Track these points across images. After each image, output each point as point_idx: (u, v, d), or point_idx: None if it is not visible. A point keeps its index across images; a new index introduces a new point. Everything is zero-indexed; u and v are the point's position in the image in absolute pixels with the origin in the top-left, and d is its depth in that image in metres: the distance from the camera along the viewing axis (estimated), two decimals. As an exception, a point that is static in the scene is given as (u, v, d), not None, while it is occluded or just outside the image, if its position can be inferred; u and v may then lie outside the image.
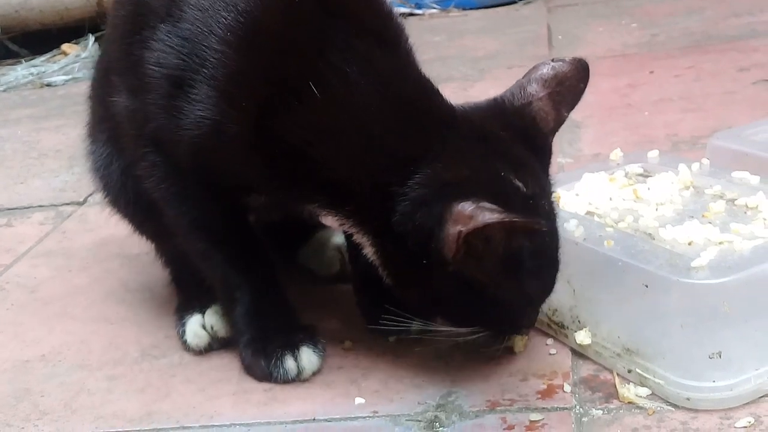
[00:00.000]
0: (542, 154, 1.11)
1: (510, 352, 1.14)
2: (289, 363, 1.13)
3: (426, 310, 1.12)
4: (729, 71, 2.21)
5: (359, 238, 1.09)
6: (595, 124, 1.98)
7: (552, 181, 1.12)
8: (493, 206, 0.95)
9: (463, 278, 1.02)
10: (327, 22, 1.07)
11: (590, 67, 1.13)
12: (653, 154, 1.36)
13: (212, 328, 1.25)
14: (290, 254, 1.46)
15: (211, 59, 1.07)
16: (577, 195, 1.27)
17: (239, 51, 1.07)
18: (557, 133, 1.14)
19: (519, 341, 1.14)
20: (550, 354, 1.14)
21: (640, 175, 1.33)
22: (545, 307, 1.17)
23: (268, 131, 1.07)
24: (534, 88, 1.09)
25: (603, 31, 2.86)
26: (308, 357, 1.14)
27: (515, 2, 3.50)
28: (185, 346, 1.26)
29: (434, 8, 3.54)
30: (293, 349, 1.14)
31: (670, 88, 2.16)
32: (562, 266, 1.09)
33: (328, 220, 1.14)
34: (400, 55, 1.11)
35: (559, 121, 1.12)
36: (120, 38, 1.21)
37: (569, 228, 1.15)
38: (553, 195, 1.11)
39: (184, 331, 1.27)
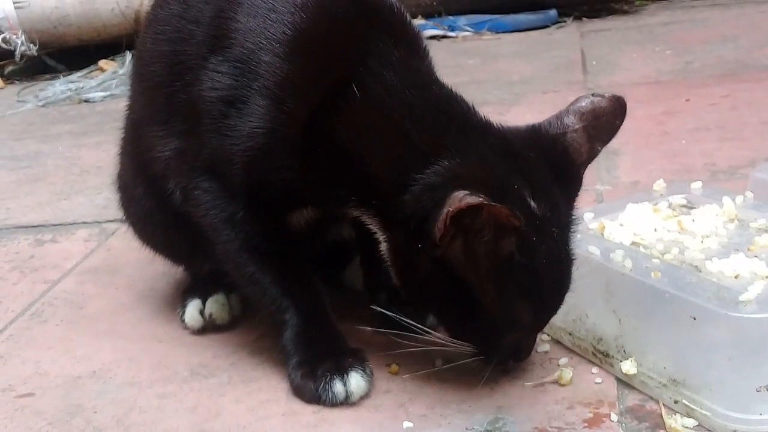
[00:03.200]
0: (570, 184, 1.15)
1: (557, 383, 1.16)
2: (338, 387, 1.15)
3: (424, 308, 1.18)
4: (765, 100, 2.22)
5: (379, 234, 1.15)
6: (632, 151, 2.00)
7: (575, 213, 1.15)
8: (485, 196, 0.99)
9: (453, 275, 1.06)
10: (366, 31, 1.17)
11: (626, 94, 1.16)
12: (696, 186, 1.37)
13: (211, 315, 1.40)
14: (337, 276, 1.49)
15: (262, 71, 1.15)
16: (621, 225, 1.28)
17: (288, 60, 1.15)
18: (595, 161, 1.18)
19: (566, 374, 1.16)
20: (596, 383, 1.15)
21: (684, 206, 1.34)
22: (590, 336, 1.19)
23: (314, 132, 1.15)
24: (571, 120, 1.14)
25: (637, 57, 2.88)
26: (356, 381, 1.16)
27: (548, 26, 3.53)
28: (183, 325, 1.42)
29: (467, 31, 3.57)
30: (342, 374, 1.16)
31: (707, 116, 2.17)
32: (605, 295, 1.12)
33: (351, 224, 1.22)
34: (429, 68, 1.22)
35: (592, 155, 1.16)
36: (156, 89, 1.29)
37: (615, 258, 1.17)
38: (575, 226, 1.14)
39: (183, 312, 1.42)
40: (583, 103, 1.14)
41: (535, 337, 1.17)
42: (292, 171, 1.18)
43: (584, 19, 3.60)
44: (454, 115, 1.14)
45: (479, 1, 3.61)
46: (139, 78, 1.39)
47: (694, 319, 1.05)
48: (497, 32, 3.53)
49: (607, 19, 3.58)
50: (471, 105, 1.18)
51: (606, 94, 1.14)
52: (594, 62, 2.89)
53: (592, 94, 1.14)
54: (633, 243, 1.23)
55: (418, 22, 3.63)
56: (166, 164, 1.28)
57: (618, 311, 1.16)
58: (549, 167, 1.12)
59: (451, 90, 1.19)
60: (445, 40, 3.57)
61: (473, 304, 1.08)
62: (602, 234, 1.27)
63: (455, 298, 1.09)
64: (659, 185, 1.39)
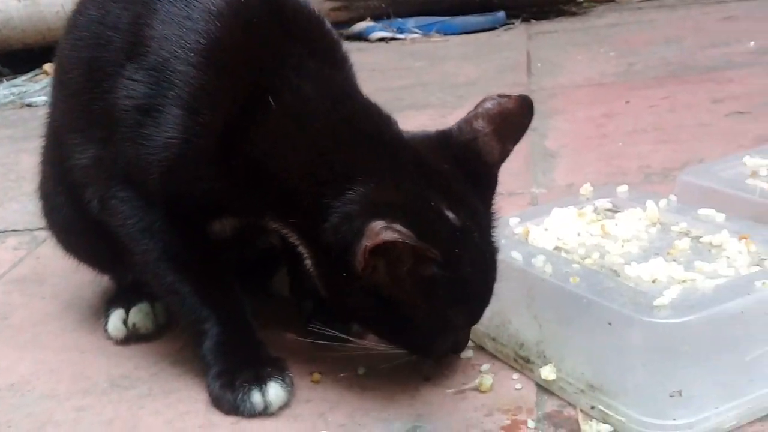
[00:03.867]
0: (485, 186, 1.15)
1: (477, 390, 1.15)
2: (256, 397, 1.14)
3: (352, 321, 1.19)
4: (704, 102, 2.23)
5: (301, 249, 1.15)
6: (569, 153, 2.00)
7: (495, 214, 1.16)
8: (403, 229, 0.99)
9: (381, 295, 1.07)
10: (282, 40, 1.16)
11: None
12: (622, 189, 1.37)
13: (134, 325, 1.38)
14: (265, 283, 1.48)
15: (177, 81, 1.14)
16: (546, 230, 1.28)
17: (202, 69, 1.13)
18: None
19: (486, 381, 1.15)
20: (516, 389, 1.15)
21: (609, 210, 1.34)
22: (512, 342, 1.19)
23: (230, 143, 1.13)
24: (480, 124, 1.14)
25: (582, 60, 2.89)
26: (275, 392, 1.15)
27: (496, 28, 3.53)
28: (107, 335, 1.39)
29: (416, 33, 3.57)
30: (261, 384, 1.15)
31: (645, 118, 2.18)
32: (526, 300, 1.13)
33: (277, 234, 1.19)
34: (347, 78, 1.20)
35: (504, 154, 1.16)
36: (75, 96, 1.26)
37: (537, 263, 1.17)
38: (495, 227, 1.15)
39: (107, 322, 1.39)
40: (490, 105, 1.14)
41: (470, 330, 1.17)
42: (208, 181, 1.16)
43: (533, 20, 3.60)
44: (369, 130, 1.13)
45: (428, 3, 3.61)
46: (60, 85, 1.36)
47: (610, 324, 1.05)
48: (446, 34, 3.53)
49: (555, 20, 3.59)
50: (387, 116, 1.17)
51: (512, 95, 1.14)
52: (539, 64, 2.89)
53: (498, 95, 1.14)
54: (556, 248, 1.23)
55: (367, 24, 3.63)
56: (84, 173, 1.26)
57: (539, 317, 1.15)
58: (463, 174, 1.12)
59: (368, 101, 1.18)
60: (393, 42, 3.56)
61: (404, 317, 1.09)
62: (526, 239, 1.26)
63: (386, 313, 1.09)
64: (586, 189, 1.39)
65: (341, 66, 1.21)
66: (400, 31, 3.58)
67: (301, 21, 1.21)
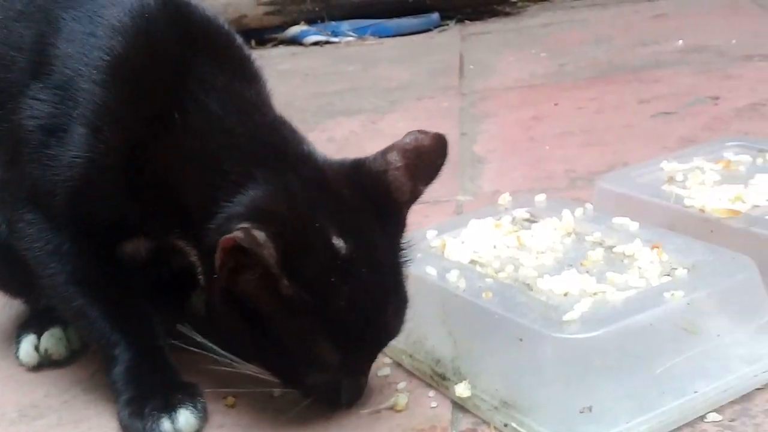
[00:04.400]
0: (391, 223, 1.09)
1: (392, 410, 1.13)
2: (166, 425, 1.11)
3: (226, 341, 1.13)
4: (630, 103, 2.25)
5: (198, 264, 1.12)
6: (497, 159, 1.99)
7: (403, 253, 1.10)
8: (263, 237, 0.95)
9: (245, 307, 1.03)
10: (189, 55, 1.13)
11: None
12: (540, 198, 1.37)
13: (46, 351, 1.34)
14: (183, 302, 1.44)
15: (81, 99, 1.11)
16: (462, 242, 1.27)
17: (105, 87, 1.11)
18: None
19: (401, 400, 1.13)
20: (432, 407, 1.13)
21: (527, 220, 1.34)
22: (429, 358, 1.17)
23: (135, 162, 1.11)
24: (394, 157, 1.09)
25: (513, 61, 2.90)
26: (186, 419, 1.12)
27: (431, 30, 3.52)
28: (18, 361, 1.35)
29: (351, 36, 3.55)
30: (170, 411, 1.12)
31: (573, 120, 2.19)
32: (441, 316, 1.10)
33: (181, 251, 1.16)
34: (258, 93, 1.18)
35: (415, 195, 1.10)
36: None
37: (450, 278, 1.16)
38: (402, 265, 1.09)
39: (18, 348, 1.35)
40: (407, 140, 1.10)
41: (362, 380, 1.12)
42: (115, 201, 1.14)
43: (467, 21, 3.60)
44: (274, 145, 1.10)
45: (362, 6, 3.59)
46: None
47: (521, 340, 1.04)
48: (380, 37, 3.52)
49: (488, 21, 3.60)
50: (297, 134, 1.14)
51: (429, 132, 1.10)
52: (471, 66, 2.89)
53: (418, 131, 1.10)
54: (471, 261, 1.22)
55: (301, 28, 3.60)
56: None
57: (453, 333, 1.14)
58: (369, 205, 1.08)
59: (278, 118, 1.16)
60: (328, 45, 3.54)
61: (267, 337, 1.04)
62: (443, 252, 1.25)
63: (252, 331, 1.05)
64: (504, 199, 1.38)
65: (252, 81, 1.19)
66: (335, 34, 3.56)
67: (210, 36, 1.18)
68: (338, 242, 1.02)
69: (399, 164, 1.09)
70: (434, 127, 1.12)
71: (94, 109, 1.11)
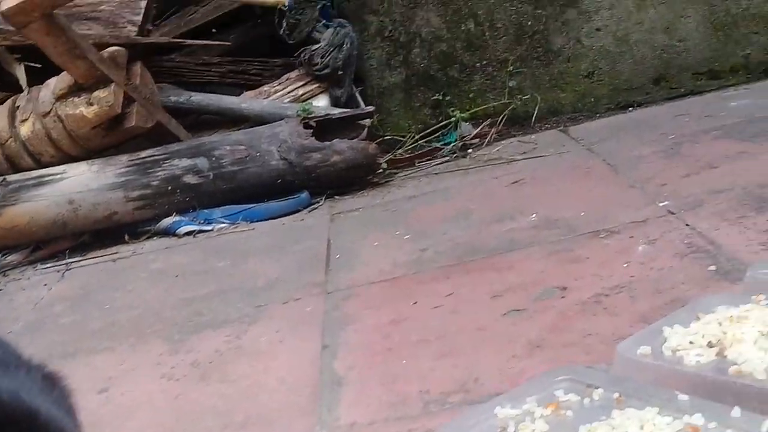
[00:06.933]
0: None
1: None
2: None
3: None
4: (484, 299, 2.31)
5: None
6: (356, 378, 2.02)
7: None
8: None
9: None
10: None
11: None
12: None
13: None
14: None
15: None
16: None
17: None
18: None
19: None
20: None
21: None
22: None
23: None
24: None
25: (378, 245, 2.97)
26: None
27: (299, 211, 3.59)
28: None
29: (223, 222, 3.59)
30: None
31: (430, 322, 2.23)
32: None
33: None
34: None
35: None
36: None
37: None
38: None
39: None
40: None
41: None
42: None
43: (336, 197, 3.69)
44: None
45: (231, 191, 3.64)
46: None
47: None
48: (251, 221, 3.56)
49: (357, 195, 3.68)
50: None
51: None
52: (338, 255, 2.95)
53: None
54: None
55: (174, 219, 3.63)
56: None
57: None
58: None
59: None
60: (201, 235, 3.56)
61: None
62: None
63: None
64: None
65: None
66: (208, 222, 3.60)
67: None
68: None
69: None
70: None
71: None
